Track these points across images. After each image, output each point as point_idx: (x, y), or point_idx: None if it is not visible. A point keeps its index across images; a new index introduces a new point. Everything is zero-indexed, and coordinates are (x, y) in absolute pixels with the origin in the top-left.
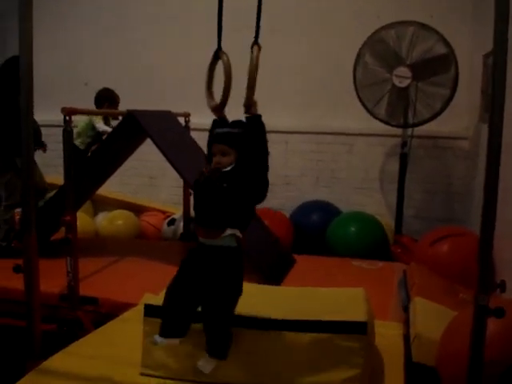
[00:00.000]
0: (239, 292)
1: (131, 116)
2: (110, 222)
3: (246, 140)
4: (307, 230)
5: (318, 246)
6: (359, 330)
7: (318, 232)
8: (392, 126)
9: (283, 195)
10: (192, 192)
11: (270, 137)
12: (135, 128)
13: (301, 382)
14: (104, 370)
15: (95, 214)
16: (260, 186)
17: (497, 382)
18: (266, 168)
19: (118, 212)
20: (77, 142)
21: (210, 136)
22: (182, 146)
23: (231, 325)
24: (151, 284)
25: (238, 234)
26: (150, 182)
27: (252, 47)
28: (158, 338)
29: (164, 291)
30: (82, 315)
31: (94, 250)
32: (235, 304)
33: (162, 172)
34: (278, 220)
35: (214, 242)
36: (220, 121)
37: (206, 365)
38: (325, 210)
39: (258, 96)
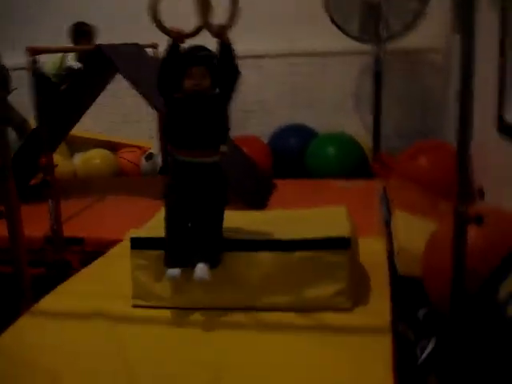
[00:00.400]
0: (227, 201)
1: (99, 50)
2: (87, 161)
3: (219, 64)
4: (286, 154)
5: (298, 170)
6: (343, 245)
7: (297, 155)
8: (364, 42)
9: (260, 121)
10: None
11: (244, 62)
12: (104, 62)
13: (290, 300)
14: (96, 306)
15: (71, 155)
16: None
17: (480, 289)
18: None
19: (94, 151)
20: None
21: (172, 59)
22: (152, 78)
23: (221, 234)
24: (135, 219)
25: (224, 148)
26: (123, 119)
27: None
28: (169, 271)
29: (148, 225)
30: (69, 256)
31: (74, 191)
32: (223, 213)
33: (135, 108)
34: (256, 146)
35: (205, 160)
36: (176, 46)
37: (202, 272)
38: (302, 133)
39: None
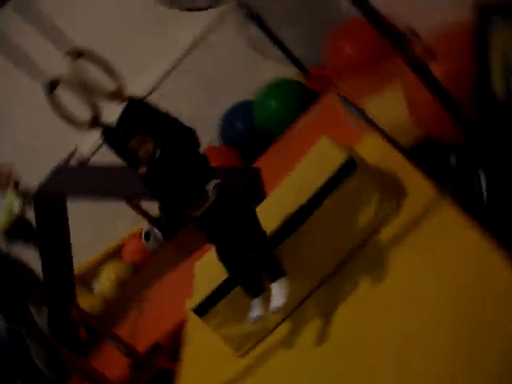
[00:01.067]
0: (253, 211)
1: (41, 197)
2: (106, 285)
3: (149, 120)
4: (241, 137)
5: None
6: (351, 167)
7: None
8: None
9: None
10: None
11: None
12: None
13: (351, 245)
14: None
15: (90, 288)
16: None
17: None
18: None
19: (105, 271)
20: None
21: (113, 144)
22: (101, 180)
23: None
24: (179, 295)
25: (215, 181)
26: (105, 225)
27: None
28: (252, 313)
29: (195, 288)
30: (158, 362)
31: (112, 310)
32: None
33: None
34: (223, 152)
35: (208, 205)
36: (108, 127)
37: (281, 290)
38: (241, 111)
39: None
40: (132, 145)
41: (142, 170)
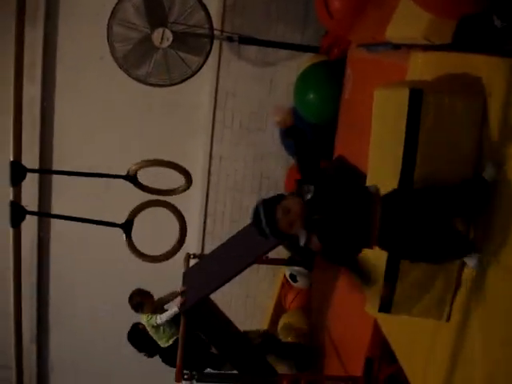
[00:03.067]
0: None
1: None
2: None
3: None
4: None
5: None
6: (418, 96)
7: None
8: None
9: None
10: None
11: None
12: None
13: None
14: None
15: None
16: None
17: None
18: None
19: (282, 330)
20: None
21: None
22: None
23: None
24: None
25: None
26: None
27: None
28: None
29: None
30: (382, 373)
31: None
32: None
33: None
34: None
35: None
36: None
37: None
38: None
39: None
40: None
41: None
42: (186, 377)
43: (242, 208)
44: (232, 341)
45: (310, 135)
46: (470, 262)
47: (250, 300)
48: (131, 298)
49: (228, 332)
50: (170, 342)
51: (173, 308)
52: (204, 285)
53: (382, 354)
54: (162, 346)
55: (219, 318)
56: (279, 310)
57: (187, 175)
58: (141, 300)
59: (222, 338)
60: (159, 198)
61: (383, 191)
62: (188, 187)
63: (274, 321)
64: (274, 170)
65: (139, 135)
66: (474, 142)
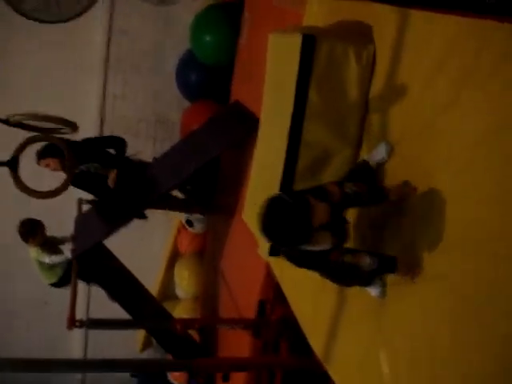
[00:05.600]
0: None
1: (82, 258)
2: (183, 282)
3: None
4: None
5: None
6: (310, 42)
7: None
8: None
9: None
10: None
11: None
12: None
13: (359, 99)
14: None
15: (176, 297)
16: None
17: None
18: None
19: (176, 274)
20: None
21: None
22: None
23: None
24: (250, 248)
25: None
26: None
27: None
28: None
29: None
30: (274, 314)
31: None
32: None
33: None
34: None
35: None
36: None
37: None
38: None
39: None
40: None
41: None
42: (77, 324)
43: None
44: (127, 288)
45: (207, 79)
46: (373, 291)
47: (144, 244)
48: (21, 226)
49: (123, 279)
50: (54, 280)
51: (66, 253)
52: (97, 230)
53: (274, 296)
54: (46, 282)
55: (113, 265)
56: (175, 254)
57: (72, 126)
58: (30, 229)
59: (117, 284)
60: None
61: (275, 135)
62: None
63: (170, 265)
64: (169, 112)
65: (29, 73)
66: (363, 91)
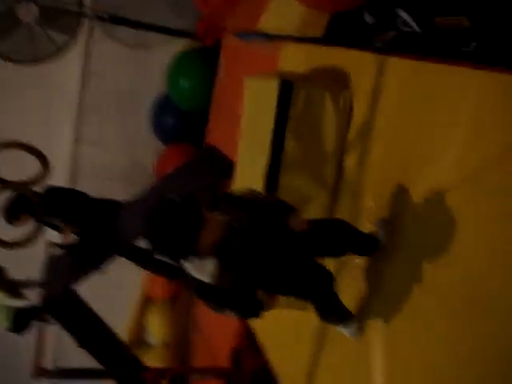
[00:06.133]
0: None
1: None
2: (155, 328)
3: None
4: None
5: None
6: (287, 88)
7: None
8: None
9: None
10: None
11: None
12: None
13: (336, 147)
14: None
15: (147, 343)
16: None
17: None
18: None
19: (149, 319)
20: None
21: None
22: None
23: None
24: None
25: None
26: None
27: None
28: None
29: None
30: (250, 363)
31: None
32: None
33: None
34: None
35: None
36: None
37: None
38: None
39: None
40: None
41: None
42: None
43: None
44: (96, 335)
45: (183, 122)
46: (347, 331)
47: (115, 288)
48: None
49: (92, 325)
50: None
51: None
52: (67, 275)
53: (248, 345)
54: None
55: (83, 311)
56: (147, 300)
57: (43, 160)
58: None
59: (86, 331)
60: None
61: (251, 182)
62: (45, 174)
63: (142, 311)
64: (144, 155)
65: None
66: (340, 137)
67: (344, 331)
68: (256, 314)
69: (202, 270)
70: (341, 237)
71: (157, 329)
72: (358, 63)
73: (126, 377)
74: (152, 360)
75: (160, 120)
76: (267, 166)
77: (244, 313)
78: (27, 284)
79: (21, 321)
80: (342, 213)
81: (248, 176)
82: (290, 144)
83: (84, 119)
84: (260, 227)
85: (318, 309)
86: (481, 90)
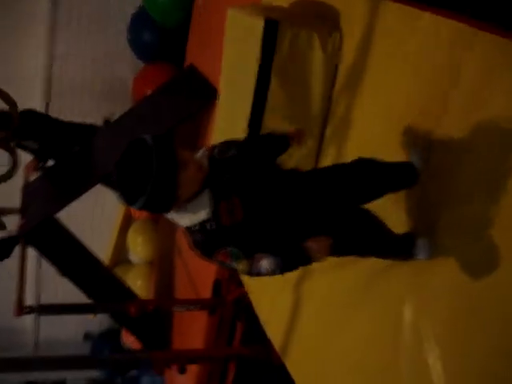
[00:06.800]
0: None
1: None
2: (137, 247)
3: None
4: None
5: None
6: (272, 27)
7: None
8: None
9: None
10: None
11: None
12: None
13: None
14: None
15: (130, 262)
16: None
17: None
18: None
19: (130, 239)
20: None
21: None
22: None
23: None
24: None
25: None
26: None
27: None
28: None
29: None
30: (231, 294)
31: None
32: None
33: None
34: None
35: None
36: None
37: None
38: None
39: None
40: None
41: None
42: (26, 310)
43: (87, 114)
44: (79, 262)
45: (158, 38)
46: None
47: (97, 207)
48: None
49: (75, 253)
50: None
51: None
52: (48, 202)
53: (230, 276)
54: None
55: (66, 239)
56: (128, 218)
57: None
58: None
59: (68, 260)
60: None
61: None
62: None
63: (123, 229)
64: (121, 71)
65: None
66: (328, 81)
67: (420, 256)
68: (305, 261)
69: (195, 211)
70: (372, 177)
71: (139, 247)
72: (348, 2)
73: (110, 311)
74: (134, 278)
75: (137, 36)
76: (250, 111)
77: (288, 258)
78: (6, 212)
79: (1, 250)
80: (328, 158)
81: (231, 116)
82: (275, 88)
83: (58, 34)
84: (251, 156)
85: (376, 252)
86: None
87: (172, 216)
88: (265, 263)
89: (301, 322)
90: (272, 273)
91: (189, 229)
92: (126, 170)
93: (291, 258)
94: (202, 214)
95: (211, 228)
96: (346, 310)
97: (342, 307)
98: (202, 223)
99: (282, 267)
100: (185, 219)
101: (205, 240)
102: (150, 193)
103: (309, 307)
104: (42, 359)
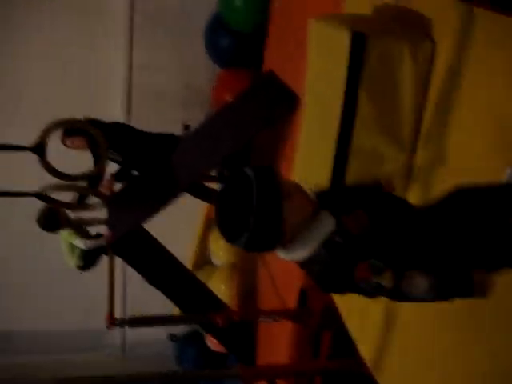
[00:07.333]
0: None
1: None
2: (219, 250)
3: None
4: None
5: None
6: (360, 40)
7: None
8: None
9: None
10: None
11: None
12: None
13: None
14: None
15: (212, 264)
16: None
17: None
18: None
19: (211, 241)
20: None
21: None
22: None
23: None
24: None
25: None
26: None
27: None
28: None
29: None
30: (316, 304)
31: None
32: None
33: None
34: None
35: None
36: None
37: None
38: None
39: None
40: None
41: None
42: (118, 323)
43: (167, 121)
44: (168, 273)
45: (235, 44)
46: None
47: (179, 210)
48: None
49: (163, 263)
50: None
51: (101, 239)
52: (134, 213)
53: (314, 284)
54: (73, 264)
55: (152, 248)
56: (210, 220)
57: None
58: (53, 211)
59: (157, 270)
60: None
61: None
62: None
63: (205, 232)
64: (200, 79)
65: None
66: (419, 93)
67: None
68: (468, 292)
69: (304, 244)
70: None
71: (221, 250)
72: (440, 8)
73: (197, 323)
74: (218, 281)
75: (213, 41)
76: (339, 126)
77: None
78: (94, 222)
79: (89, 259)
80: (421, 176)
81: (317, 133)
82: (364, 102)
83: (135, 43)
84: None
85: None
86: None
87: (285, 255)
88: (417, 281)
89: (397, 339)
90: (424, 294)
91: (307, 262)
92: (225, 205)
93: (451, 282)
94: (322, 231)
95: (339, 241)
96: (458, 335)
97: (454, 330)
98: (327, 241)
99: (437, 290)
100: (301, 250)
101: (334, 260)
102: (253, 227)
103: (407, 324)
104: (130, 376)
